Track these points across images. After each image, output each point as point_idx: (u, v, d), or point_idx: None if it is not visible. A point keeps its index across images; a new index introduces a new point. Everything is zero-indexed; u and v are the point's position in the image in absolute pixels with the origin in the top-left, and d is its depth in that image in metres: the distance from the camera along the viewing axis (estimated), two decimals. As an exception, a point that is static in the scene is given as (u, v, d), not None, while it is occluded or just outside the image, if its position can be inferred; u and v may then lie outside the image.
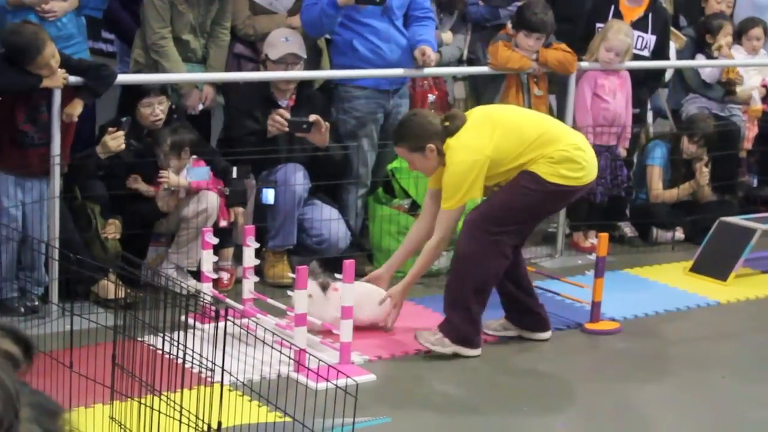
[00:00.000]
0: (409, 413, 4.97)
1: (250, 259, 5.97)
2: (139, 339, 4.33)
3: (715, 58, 8.28)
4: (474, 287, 5.48)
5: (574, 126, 7.41)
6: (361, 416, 4.52)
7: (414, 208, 7.06)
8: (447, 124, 5.52)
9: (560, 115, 7.41)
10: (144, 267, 5.72)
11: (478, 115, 5.65)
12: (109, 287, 6.07)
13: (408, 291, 5.85)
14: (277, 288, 6.48)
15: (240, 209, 6.58)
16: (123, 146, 6.17)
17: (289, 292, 5.51)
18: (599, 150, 7.48)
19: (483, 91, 7.41)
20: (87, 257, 5.66)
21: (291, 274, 6.02)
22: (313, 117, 6.51)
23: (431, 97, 7.34)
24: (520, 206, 5.48)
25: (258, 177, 6.74)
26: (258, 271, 6.23)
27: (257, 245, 6.05)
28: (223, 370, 3.89)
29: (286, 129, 6.55)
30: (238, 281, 6.42)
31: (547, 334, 5.92)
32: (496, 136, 5.45)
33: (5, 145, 5.92)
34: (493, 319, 5.90)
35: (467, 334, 5.56)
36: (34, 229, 5.96)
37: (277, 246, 6.71)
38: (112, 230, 6.28)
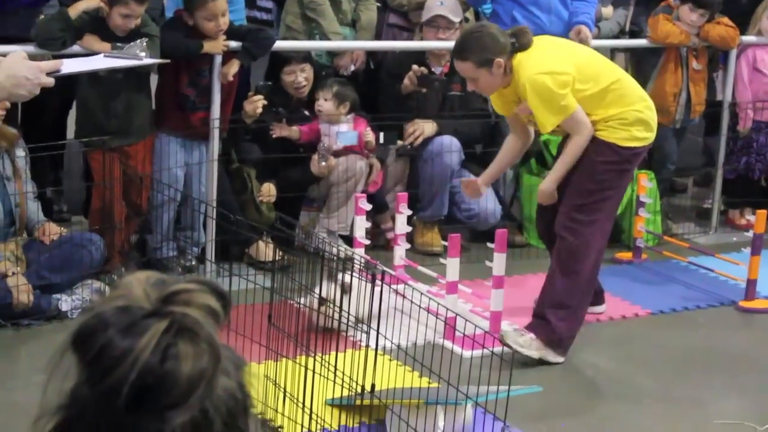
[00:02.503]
0: (560, 383, 4.95)
1: (402, 226, 6.00)
2: (294, 301, 4.40)
3: None
4: (587, 280, 5.16)
5: (733, 102, 7.29)
6: (512, 384, 4.53)
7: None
8: (513, 41, 5.01)
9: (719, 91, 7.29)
10: (299, 229, 5.79)
11: (548, 41, 5.22)
12: (264, 249, 6.19)
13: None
14: (426, 256, 6.52)
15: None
16: (260, 110, 6.23)
17: (442, 260, 5.52)
18: (759, 126, 7.35)
19: (642, 63, 7.28)
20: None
21: (443, 242, 6.05)
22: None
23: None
24: (604, 186, 5.09)
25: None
26: (408, 238, 6.28)
27: (409, 212, 6.08)
28: (378, 333, 3.93)
29: (416, 84, 6.58)
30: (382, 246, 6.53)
31: (601, 308, 5.75)
32: (575, 60, 5.05)
33: (169, 108, 6.08)
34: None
35: (563, 335, 5.15)
36: (193, 190, 6.11)
37: (428, 217, 6.74)
38: (267, 193, 6.39)
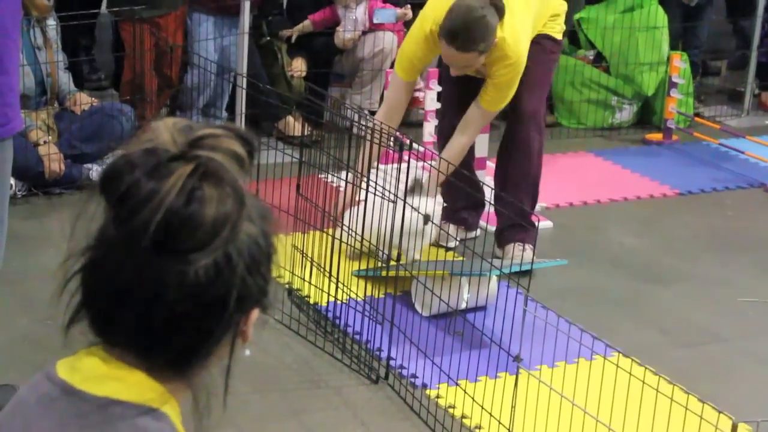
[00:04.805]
0: (585, 259, 4.98)
1: (431, 102, 5.97)
2: (323, 174, 4.42)
3: None
4: (539, 175, 5.01)
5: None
6: (537, 258, 4.56)
7: (599, 60, 6.97)
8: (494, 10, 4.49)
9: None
10: (328, 100, 5.78)
11: None
12: (293, 124, 6.19)
13: None
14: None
15: None
16: None
17: None
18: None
19: None
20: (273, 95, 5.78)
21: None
22: None
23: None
24: (552, 78, 5.09)
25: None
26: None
27: (439, 89, 6.05)
28: (405, 202, 3.96)
29: None
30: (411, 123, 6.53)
31: None
32: (532, 6, 4.69)
33: (203, -17, 6.05)
34: None
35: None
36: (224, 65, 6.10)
37: (458, 93, 6.71)
38: (297, 67, 6.37)
